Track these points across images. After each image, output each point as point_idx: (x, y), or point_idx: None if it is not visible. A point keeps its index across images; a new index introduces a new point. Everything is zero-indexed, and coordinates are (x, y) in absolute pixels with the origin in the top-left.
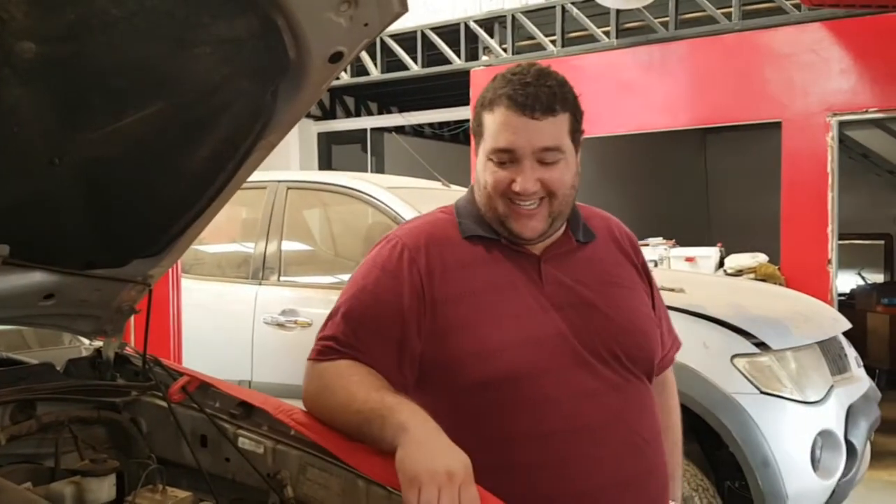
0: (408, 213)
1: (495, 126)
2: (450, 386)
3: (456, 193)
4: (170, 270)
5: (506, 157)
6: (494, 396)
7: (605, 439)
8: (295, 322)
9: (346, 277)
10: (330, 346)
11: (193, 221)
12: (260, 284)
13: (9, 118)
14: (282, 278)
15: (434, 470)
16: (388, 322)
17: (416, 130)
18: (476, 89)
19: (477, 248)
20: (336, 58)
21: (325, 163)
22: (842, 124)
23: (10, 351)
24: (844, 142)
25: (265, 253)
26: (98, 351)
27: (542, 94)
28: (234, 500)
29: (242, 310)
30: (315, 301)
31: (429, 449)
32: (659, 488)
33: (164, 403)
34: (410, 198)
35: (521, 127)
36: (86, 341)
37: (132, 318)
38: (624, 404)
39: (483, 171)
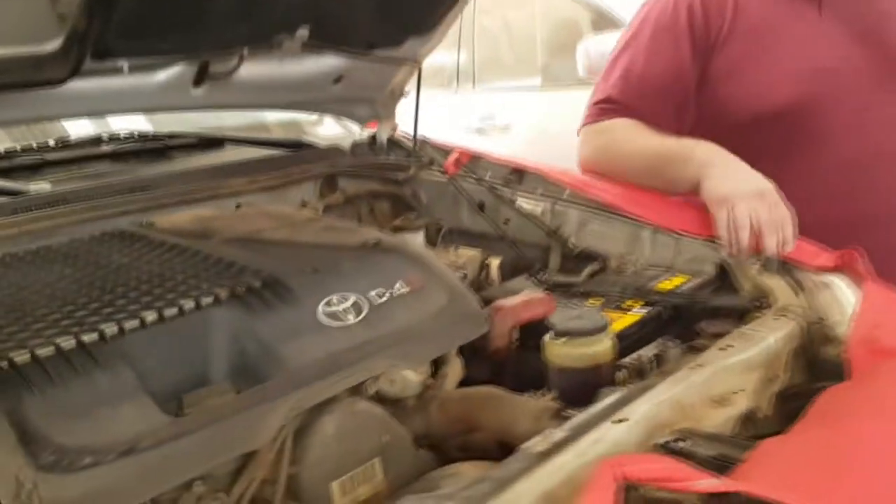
0: None
1: None
2: (730, 123)
3: None
4: None
5: None
6: (780, 130)
7: None
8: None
9: None
10: (606, 108)
11: None
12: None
13: None
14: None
15: (744, 190)
16: (667, 79)
17: None
18: None
19: None
20: None
21: None
22: None
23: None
24: None
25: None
26: (373, 136)
27: None
28: (514, 258)
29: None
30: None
31: (735, 175)
32: None
33: (438, 178)
34: None
35: None
36: (356, 129)
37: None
38: None
39: None
